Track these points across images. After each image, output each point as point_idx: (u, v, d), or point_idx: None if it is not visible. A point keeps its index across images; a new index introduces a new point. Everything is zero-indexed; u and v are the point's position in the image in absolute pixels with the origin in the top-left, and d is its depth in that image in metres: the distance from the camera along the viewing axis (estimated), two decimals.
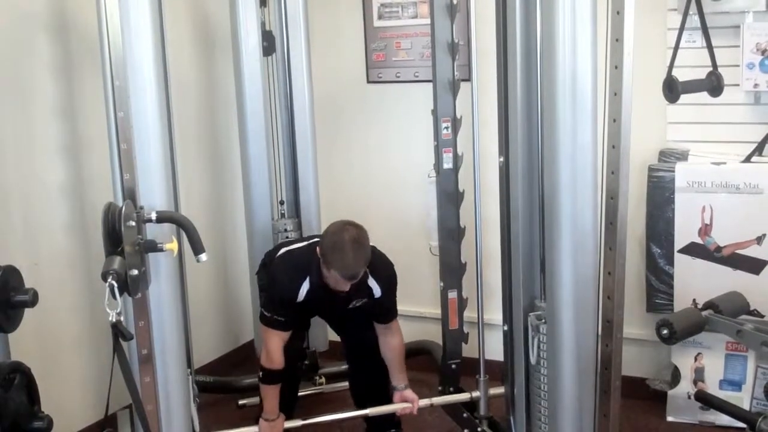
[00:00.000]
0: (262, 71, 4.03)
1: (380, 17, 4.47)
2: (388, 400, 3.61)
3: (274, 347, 3.39)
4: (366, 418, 3.68)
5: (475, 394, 3.60)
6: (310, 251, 3.35)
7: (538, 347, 3.04)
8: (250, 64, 3.97)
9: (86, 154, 3.71)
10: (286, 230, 4.14)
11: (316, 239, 3.39)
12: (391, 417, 3.69)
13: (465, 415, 3.67)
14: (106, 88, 2.57)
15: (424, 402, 3.59)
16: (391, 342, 3.56)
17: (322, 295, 3.34)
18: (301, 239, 3.79)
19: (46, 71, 3.57)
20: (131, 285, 2.39)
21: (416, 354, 4.31)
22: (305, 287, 3.33)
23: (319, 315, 3.76)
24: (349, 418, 3.69)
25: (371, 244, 3.26)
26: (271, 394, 3.45)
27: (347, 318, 3.64)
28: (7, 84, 3.39)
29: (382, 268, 3.44)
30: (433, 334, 4.17)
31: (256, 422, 3.45)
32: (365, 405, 3.66)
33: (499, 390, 3.49)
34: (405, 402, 3.55)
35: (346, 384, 3.97)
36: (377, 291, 3.41)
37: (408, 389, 3.58)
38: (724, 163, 3.66)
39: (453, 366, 3.78)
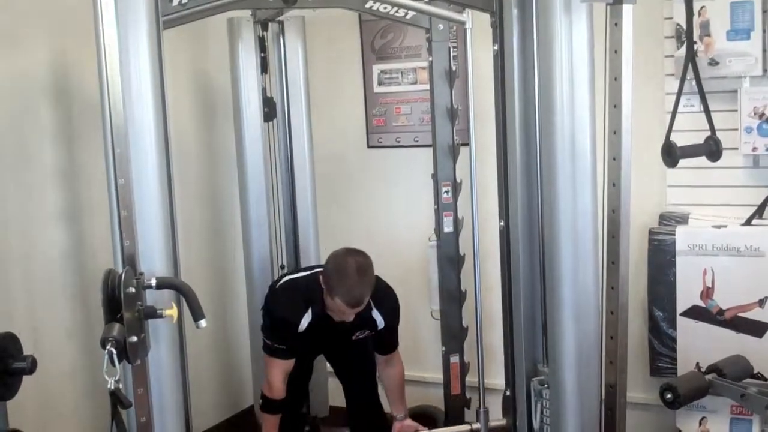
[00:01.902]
0: (263, 137, 4.06)
1: (380, 83, 4.51)
2: None
3: (275, 377, 3.37)
4: None
5: (476, 425, 3.52)
6: (313, 280, 3.33)
7: (542, 412, 3.01)
8: (251, 130, 4.00)
9: (87, 220, 3.71)
10: None
11: (318, 269, 3.36)
12: None
13: None
14: (107, 155, 2.58)
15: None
16: (392, 372, 3.55)
17: (324, 326, 3.31)
18: (303, 269, 3.76)
19: (47, 137, 3.59)
20: (130, 352, 2.37)
21: (419, 419, 4.26)
22: (307, 318, 3.32)
23: (321, 350, 3.70)
24: None
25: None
26: (270, 424, 3.43)
27: (349, 357, 3.61)
28: (7, 149, 3.41)
29: (386, 299, 3.43)
30: (434, 399, 4.13)
31: None
32: None
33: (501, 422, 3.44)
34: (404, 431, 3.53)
35: None
36: (380, 323, 3.40)
37: (408, 419, 3.56)
38: (725, 226, 3.66)
39: None
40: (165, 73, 2.62)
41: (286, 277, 3.56)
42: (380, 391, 3.80)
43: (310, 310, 3.31)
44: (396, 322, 3.48)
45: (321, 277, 3.24)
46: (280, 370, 3.36)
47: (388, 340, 3.50)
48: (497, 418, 3.40)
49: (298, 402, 3.88)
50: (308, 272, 3.51)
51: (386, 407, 3.78)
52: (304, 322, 3.31)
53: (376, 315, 3.38)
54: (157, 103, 2.59)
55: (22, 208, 3.48)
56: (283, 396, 3.38)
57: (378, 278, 3.29)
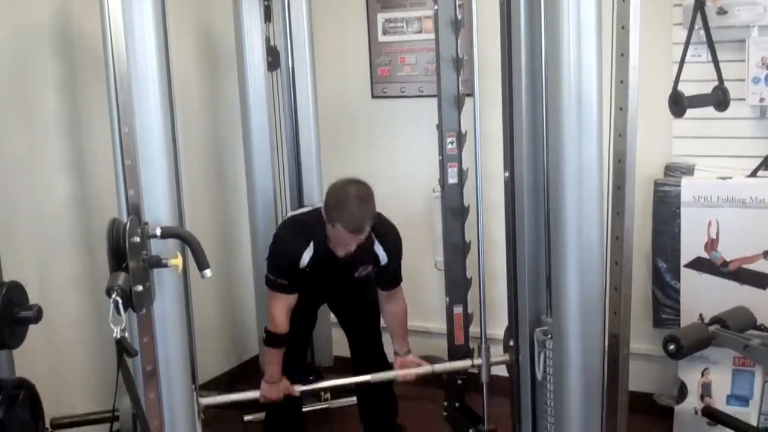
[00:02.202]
0: (267, 86, 4.03)
1: (385, 32, 4.47)
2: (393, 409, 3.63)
3: (278, 311, 3.38)
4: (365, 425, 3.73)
5: (477, 361, 3.52)
6: (315, 215, 3.35)
7: (545, 363, 3.03)
8: (255, 79, 3.98)
9: (90, 170, 3.71)
10: None
11: (320, 205, 3.38)
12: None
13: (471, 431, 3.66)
14: (111, 104, 2.57)
15: (426, 369, 3.57)
16: (395, 309, 3.57)
17: (326, 261, 3.33)
18: (306, 206, 3.80)
19: (51, 87, 3.57)
20: (136, 301, 2.39)
21: None
22: (309, 252, 3.33)
23: (324, 291, 3.70)
24: (349, 384, 3.73)
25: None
26: (274, 358, 3.44)
27: (352, 302, 3.64)
28: (12, 100, 3.40)
29: (389, 234, 3.44)
30: (438, 349, 4.15)
31: None
32: (369, 406, 3.74)
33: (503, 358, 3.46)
34: (406, 367, 3.56)
35: (352, 399, 3.96)
36: (383, 257, 3.41)
37: (410, 354, 3.59)
38: (730, 177, 3.65)
39: (459, 381, 3.76)
40: (168, 21, 2.60)
41: (289, 214, 3.60)
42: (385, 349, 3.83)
43: (311, 245, 3.32)
44: (398, 258, 3.49)
45: (322, 209, 3.25)
46: (282, 304, 3.37)
47: (391, 276, 3.50)
48: (499, 354, 3.43)
49: (303, 351, 3.90)
50: (310, 208, 3.55)
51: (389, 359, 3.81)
52: (306, 256, 3.32)
53: (379, 249, 3.39)
54: (160, 52, 2.57)
55: (27, 157, 3.48)
56: (286, 330, 3.39)
57: (380, 214, 3.31)
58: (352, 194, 3.17)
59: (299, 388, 3.50)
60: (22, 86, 3.45)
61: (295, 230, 3.41)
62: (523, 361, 3.16)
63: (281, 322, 3.38)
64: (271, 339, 3.41)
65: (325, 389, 4.15)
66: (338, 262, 3.32)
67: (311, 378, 4.22)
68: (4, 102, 3.37)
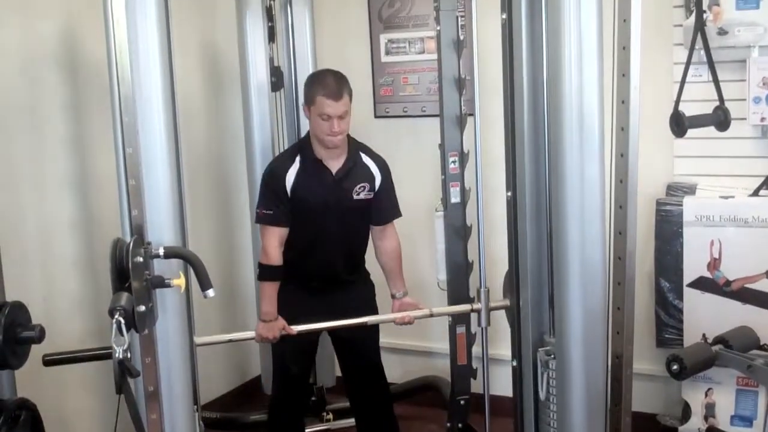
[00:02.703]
0: (270, 106, 4.05)
1: (387, 53, 4.50)
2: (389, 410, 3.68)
3: (269, 244, 3.41)
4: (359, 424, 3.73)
5: (477, 305, 3.46)
6: (300, 139, 3.59)
7: (548, 383, 3.02)
8: (259, 99, 3.99)
9: (95, 190, 3.72)
10: None
11: None
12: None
13: None
14: (115, 125, 2.58)
15: (423, 312, 3.53)
16: (389, 245, 3.58)
17: (317, 180, 3.40)
18: None
19: (56, 107, 3.59)
20: (138, 321, 2.38)
21: (424, 390, 4.29)
22: (295, 167, 3.40)
23: (317, 223, 3.52)
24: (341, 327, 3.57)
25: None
26: (269, 293, 3.44)
27: (353, 332, 3.62)
28: (18, 120, 3.42)
29: (377, 156, 3.56)
30: (441, 369, 4.15)
31: None
32: (369, 427, 3.73)
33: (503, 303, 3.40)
34: (404, 310, 3.55)
35: (353, 421, 3.94)
36: (377, 175, 3.49)
37: (407, 296, 3.59)
38: (732, 196, 3.66)
39: (461, 402, 3.76)
40: (172, 42, 2.61)
41: None
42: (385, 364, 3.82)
43: (297, 159, 3.41)
44: (391, 183, 3.57)
45: (303, 105, 3.42)
46: (274, 236, 3.39)
47: (387, 204, 3.53)
48: (498, 299, 3.39)
49: (305, 373, 3.88)
50: None
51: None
52: (292, 172, 3.39)
53: (371, 164, 3.50)
54: (165, 72, 2.58)
55: (31, 177, 3.49)
56: (280, 262, 3.39)
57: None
58: (326, 71, 3.39)
59: (297, 328, 3.42)
60: (27, 107, 3.47)
61: (282, 154, 3.62)
62: (526, 381, 3.15)
63: (274, 254, 3.39)
64: (264, 272, 3.41)
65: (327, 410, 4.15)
66: (332, 184, 3.38)
67: (313, 399, 4.22)
68: (11, 122, 3.38)
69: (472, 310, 3.52)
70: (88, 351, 2.74)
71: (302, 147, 3.44)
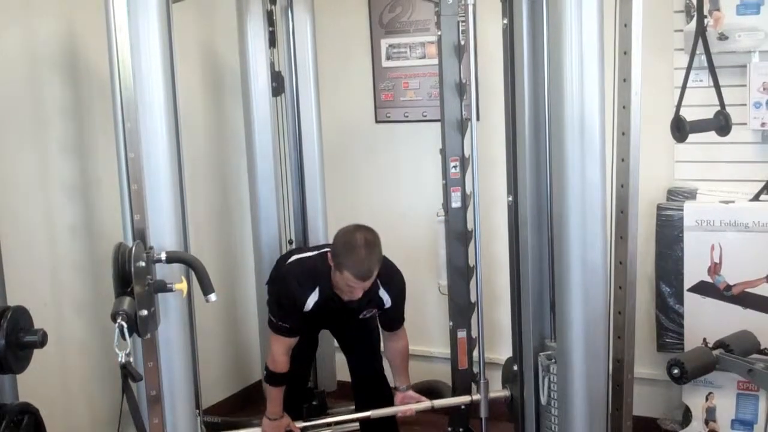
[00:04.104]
0: (272, 111, 4.04)
1: (388, 58, 4.50)
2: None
3: (278, 352, 3.39)
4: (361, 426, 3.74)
5: (476, 396, 3.54)
6: (321, 259, 3.34)
7: (549, 387, 3.02)
8: (260, 105, 3.99)
9: (97, 195, 3.72)
10: None
11: (326, 248, 3.37)
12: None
13: None
14: (117, 130, 2.59)
15: (425, 405, 3.56)
16: (397, 346, 3.59)
17: (331, 305, 3.34)
18: (311, 248, 3.77)
19: (58, 112, 3.59)
20: (140, 325, 2.39)
21: (425, 394, 4.28)
22: (314, 297, 3.33)
23: (326, 327, 3.74)
24: (350, 421, 3.72)
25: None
26: (275, 395, 3.45)
27: (355, 333, 3.63)
28: (20, 125, 3.42)
29: (393, 278, 3.44)
30: (442, 374, 4.14)
31: None
32: None
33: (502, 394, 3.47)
34: (406, 403, 3.55)
35: (355, 425, 3.94)
36: (387, 302, 3.42)
37: (410, 390, 3.59)
38: (733, 201, 3.66)
39: (462, 407, 3.76)
40: (174, 47, 2.62)
41: (294, 257, 3.55)
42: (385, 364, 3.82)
43: (317, 290, 3.32)
44: (402, 301, 3.50)
45: (329, 254, 3.25)
46: (283, 346, 3.39)
47: (394, 317, 3.52)
48: (498, 389, 3.42)
49: (304, 376, 3.89)
50: (316, 252, 3.52)
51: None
52: (311, 301, 3.33)
53: (383, 294, 3.40)
54: (167, 78, 2.59)
55: (34, 182, 3.49)
56: (287, 370, 3.40)
57: (384, 257, 3.30)
58: (359, 241, 3.15)
59: (300, 425, 3.51)
60: (30, 111, 3.47)
61: (301, 275, 3.39)
62: (528, 386, 3.16)
63: (282, 362, 3.39)
64: (271, 378, 3.43)
65: (328, 424, 4.14)
66: (342, 305, 3.33)
67: (314, 403, 4.22)
68: (13, 127, 3.39)
69: (472, 402, 3.59)
70: None
71: (321, 278, 3.32)
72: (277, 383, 3.43)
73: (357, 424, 3.92)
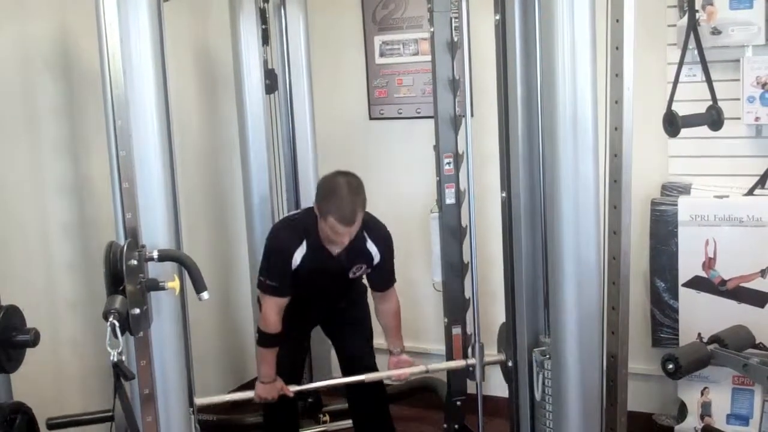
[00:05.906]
0: (265, 109, 4.04)
1: (382, 54, 4.50)
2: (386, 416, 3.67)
3: (269, 313, 3.39)
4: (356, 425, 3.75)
5: (471, 360, 3.53)
6: (308, 213, 3.38)
7: (543, 383, 3.02)
8: (253, 102, 3.99)
9: (89, 194, 3.71)
10: None
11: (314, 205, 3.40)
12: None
13: None
14: (108, 128, 2.58)
15: (420, 368, 3.57)
16: (389, 307, 3.58)
17: (320, 260, 3.34)
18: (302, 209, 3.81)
19: (49, 110, 3.58)
20: (133, 324, 2.38)
21: (420, 391, 4.28)
22: (301, 251, 3.34)
23: (315, 297, 3.62)
24: (341, 385, 3.76)
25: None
26: (267, 358, 3.44)
27: (345, 313, 3.66)
28: (11, 123, 3.41)
29: (379, 231, 3.45)
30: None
31: None
32: (365, 429, 3.74)
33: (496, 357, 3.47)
34: (400, 367, 3.55)
35: (350, 422, 3.94)
36: (376, 256, 3.43)
37: (403, 354, 3.59)
38: (727, 196, 3.66)
39: (458, 403, 3.76)
40: (165, 45, 2.61)
41: (284, 216, 3.59)
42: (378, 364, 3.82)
43: (304, 243, 3.33)
44: (391, 256, 3.50)
45: (314, 205, 3.28)
46: (274, 306, 3.38)
47: (385, 275, 3.51)
48: (492, 353, 3.42)
49: (298, 370, 3.87)
50: (303, 209, 3.58)
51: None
52: (298, 255, 3.33)
53: (371, 247, 3.41)
54: (158, 75, 2.58)
55: (25, 180, 3.48)
56: (279, 330, 3.39)
57: (369, 214, 3.34)
58: (342, 184, 3.20)
59: (293, 388, 3.50)
60: (22, 111, 3.46)
61: (289, 229, 3.43)
62: (522, 382, 3.16)
63: (273, 322, 3.38)
64: (263, 339, 3.42)
65: (319, 389, 4.13)
66: (332, 262, 3.33)
67: (310, 400, 4.22)
68: (6, 126, 3.38)
69: (467, 366, 3.56)
70: (90, 414, 2.77)
71: (308, 231, 3.33)
72: (270, 344, 3.41)
73: (350, 422, 3.93)
